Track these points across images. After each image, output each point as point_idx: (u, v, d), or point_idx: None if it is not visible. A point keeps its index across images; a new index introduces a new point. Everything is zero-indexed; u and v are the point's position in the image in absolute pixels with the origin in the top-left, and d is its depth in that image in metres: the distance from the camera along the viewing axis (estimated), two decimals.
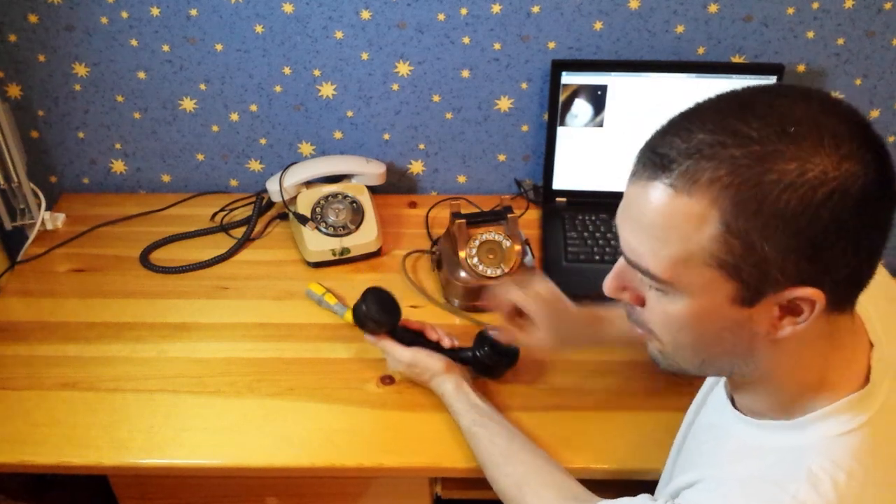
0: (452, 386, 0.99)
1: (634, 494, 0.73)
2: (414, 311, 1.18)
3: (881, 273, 0.76)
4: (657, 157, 0.58)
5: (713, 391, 0.80)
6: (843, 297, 0.60)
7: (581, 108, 1.29)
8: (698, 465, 0.71)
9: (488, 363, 1.03)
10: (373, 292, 1.02)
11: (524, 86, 1.34)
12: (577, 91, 1.28)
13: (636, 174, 0.61)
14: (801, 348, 0.63)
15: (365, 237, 1.27)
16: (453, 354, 1.03)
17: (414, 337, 1.04)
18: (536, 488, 0.86)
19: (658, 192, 0.58)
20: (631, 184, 0.62)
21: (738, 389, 0.72)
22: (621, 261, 0.66)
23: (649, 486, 0.84)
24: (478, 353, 1.03)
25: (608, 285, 0.68)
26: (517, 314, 0.98)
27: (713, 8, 1.24)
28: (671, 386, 1.02)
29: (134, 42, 1.28)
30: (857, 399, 0.63)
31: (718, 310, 0.60)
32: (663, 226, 0.58)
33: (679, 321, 0.62)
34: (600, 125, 1.30)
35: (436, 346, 1.04)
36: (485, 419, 0.95)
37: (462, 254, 1.18)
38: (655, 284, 0.62)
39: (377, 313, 1.00)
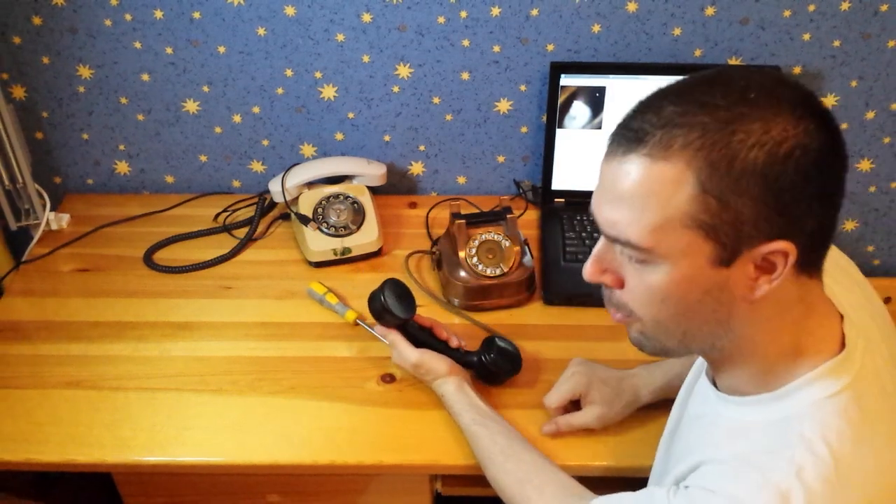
0: (454, 387, 1.00)
1: (634, 491, 0.74)
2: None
3: (833, 250, 0.79)
4: (631, 132, 0.62)
5: (697, 382, 0.82)
6: (811, 254, 0.63)
7: (579, 109, 1.31)
8: (694, 452, 0.72)
9: (493, 368, 1.04)
10: (392, 284, 1.04)
11: (523, 88, 1.35)
12: (576, 93, 1.29)
13: (611, 153, 0.64)
14: (776, 313, 0.65)
15: (366, 237, 1.28)
16: (458, 357, 1.04)
17: (423, 334, 1.05)
18: (538, 484, 0.87)
19: (635, 164, 0.61)
20: (606, 163, 0.65)
21: (720, 369, 0.73)
22: (599, 244, 0.68)
23: (644, 484, 0.85)
24: (483, 358, 1.04)
25: (588, 269, 0.69)
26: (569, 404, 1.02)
27: (710, 10, 1.25)
28: None
29: (137, 44, 1.29)
30: (837, 364, 0.66)
31: (698, 273, 0.62)
32: (642, 194, 0.61)
33: (661, 291, 0.64)
34: (599, 127, 1.31)
35: (443, 346, 1.05)
36: (485, 419, 0.96)
37: (462, 254, 1.19)
38: (637, 255, 0.64)
39: (395, 306, 1.02)
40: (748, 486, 0.63)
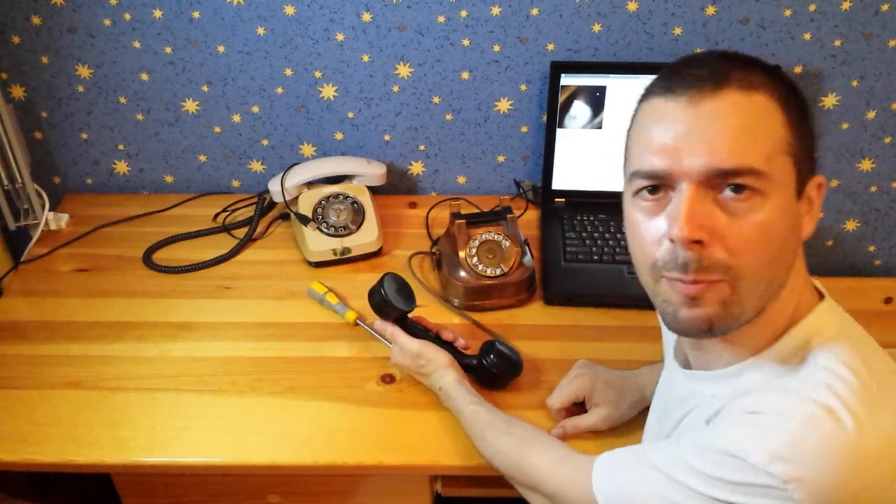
0: (452, 378, 1.00)
1: None
2: (416, 309, 1.18)
3: None
4: (704, 73, 0.65)
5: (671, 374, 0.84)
6: None
7: (580, 109, 1.30)
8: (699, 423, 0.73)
9: (494, 372, 1.04)
10: (391, 277, 1.04)
11: (523, 87, 1.35)
12: (576, 92, 1.29)
13: (691, 97, 0.64)
14: (796, 262, 0.70)
15: (366, 237, 1.28)
16: (459, 359, 1.04)
17: (423, 333, 1.06)
18: (544, 445, 0.87)
19: (735, 97, 0.64)
20: (687, 108, 0.64)
21: (717, 342, 0.72)
22: (688, 199, 0.63)
23: None
24: (484, 362, 1.04)
25: (688, 225, 0.63)
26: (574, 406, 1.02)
27: (711, 10, 1.25)
28: None
29: (137, 44, 1.29)
30: (825, 311, 0.70)
31: (790, 205, 0.66)
32: (753, 123, 0.64)
33: (767, 228, 0.64)
34: (599, 126, 1.31)
35: (445, 346, 1.05)
36: (483, 402, 0.97)
37: (462, 254, 1.19)
38: (756, 183, 0.63)
39: (394, 298, 1.02)
40: (790, 400, 0.64)
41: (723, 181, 0.63)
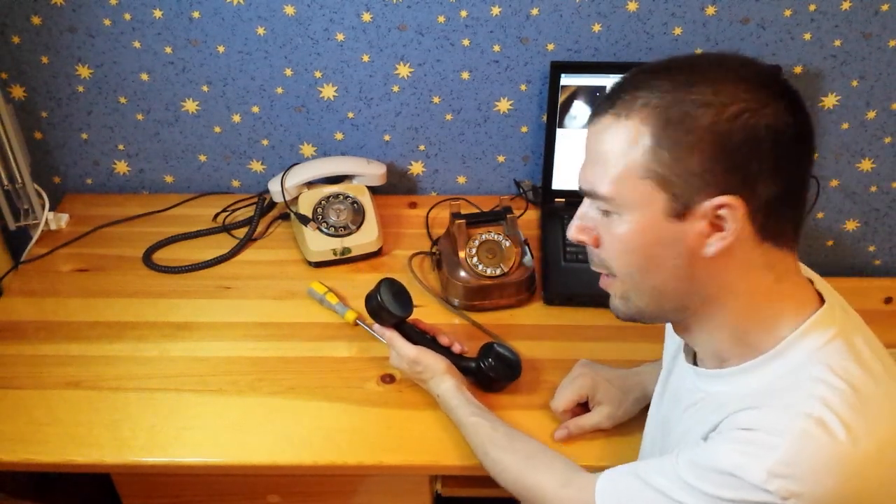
0: (451, 385, 1.00)
1: None
2: (416, 310, 1.18)
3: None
4: (608, 100, 0.70)
5: (673, 372, 0.85)
6: (772, 221, 0.67)
7: (580, 109, 1.30)
8: (693, 431, 0.74)
9: (492, 375, 1.03)
10: (388, 283, 1.04)
11: (523, 87, 1.35)
12: (576, 92, 1.29)
13: (591, 118, 0.72)
14: (741, 276, 0.69)
15: (366, 237, 1.28)
16: (457, 362, 1.04)
17: (421, 337, 1.05)
18: (547, 461, 0.88)
19: (605, 123, 0.69)
20: (587, 127, 0.73)
21: (697, 339, 0.76)
22: (581, 207, 0.75)
23: None
24: (482, 365, 1.03)
25: (572, 228, 0.75)
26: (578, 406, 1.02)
27: (711, 10, 1.25)
28: None
29: (137, 44, 1.29)
30: (821, 315, 0.70)
31: (656, 224, 0.68)
32: (607, 150, 0.69)
33: (626, 242, 0.70)
34: None
35: (443, 349, 1.05)
36: (483, 412, 0.96)
37: (462, 254, 1.19)
38: (605, 206, 0.70)
39: (391, 304, 1.02)
40: (783, 417, 0.65)
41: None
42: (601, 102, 0.71)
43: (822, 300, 0.72)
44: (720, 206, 0.65)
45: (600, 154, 0.70)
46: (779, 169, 0.65)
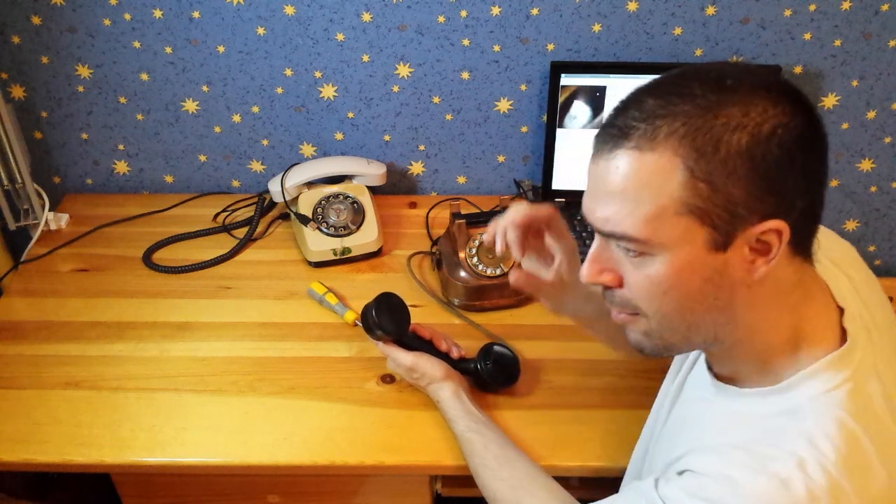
0: (449, 393, 0.99)
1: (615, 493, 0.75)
2: (415, 310, 1.18)
3: (847, 246, 0.83)
4: (616, 129, 0.63)
5: (692, 372, 0.82)
6: (803, 233, 0.64)
7: (580, 109, 1.30)
8: (679, 445, 0.73)
9: (490, 376, 1.03)
10: (384, 299, 1.01)
11: (523, 87, 1.35)
12: (576, 92, 1.29)
13: (598, 152, 0.65)
14: (775, 297, 0.66)
15: (366, 237, 1.28)
16: (455, 363, 1.04)
17: (420, 344, 1.04)
18: (533, 490, 0.87)
19: (624, 158, 0.62)
20: (594, 164, 0.65)
21: (721, 360, 0.73)
22: (595, 244, 0.68)
23: None
24: (479, 366, 1.03)
25: (586, 270, 0.68)
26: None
27: (711, 10, 1.25)
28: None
29: (136, 44, 1.29)
30: (838, 357, 0.66)
31: (697, 260, 0.63)
32: (634, 187, 0.62)
33: (663, 282, 0.64)
34: (599, 126, 1.31)
35: (441, 355, 1.04)
36: (479, 426, 0.95)
37: (462, 254, 1.19)
38: (635, 247, 0.64)
39: (386, 322, 1.00)
40: (744, 470, 0.63)
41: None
42: (609, 134, 0.64)
43: (844, 335, 0.68)
44: (766, 232, 0.61)
45: (623, 192, 0.62)
46: (807, 181, 0.62)
